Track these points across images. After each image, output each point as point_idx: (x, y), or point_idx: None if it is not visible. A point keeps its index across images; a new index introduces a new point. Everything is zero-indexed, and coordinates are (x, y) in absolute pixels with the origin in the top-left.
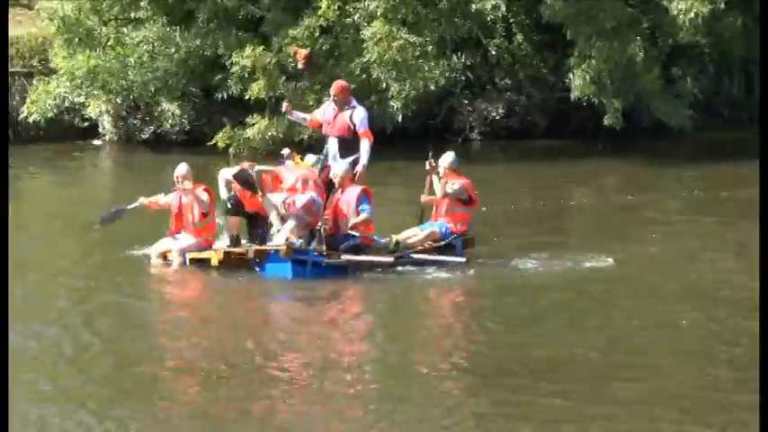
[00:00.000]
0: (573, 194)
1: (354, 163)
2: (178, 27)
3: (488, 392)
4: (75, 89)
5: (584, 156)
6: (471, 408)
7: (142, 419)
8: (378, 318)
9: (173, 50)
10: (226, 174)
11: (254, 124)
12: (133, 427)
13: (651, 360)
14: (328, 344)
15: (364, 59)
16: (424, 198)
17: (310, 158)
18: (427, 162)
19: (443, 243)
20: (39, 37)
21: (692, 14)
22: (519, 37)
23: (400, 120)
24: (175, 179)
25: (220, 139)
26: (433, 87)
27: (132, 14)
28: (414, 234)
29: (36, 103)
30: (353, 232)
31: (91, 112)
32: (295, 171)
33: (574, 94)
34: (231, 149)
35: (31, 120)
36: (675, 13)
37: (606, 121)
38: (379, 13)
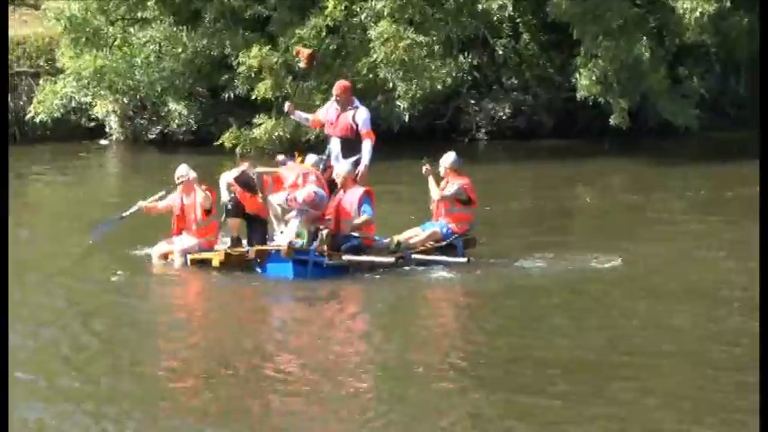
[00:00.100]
0: (578, 194)
1: (356, 163)
2: (185, 27)
3: (488, 393)
4: (81, 89)
5: (590, 155)
6: (470, 408)
7: (140, 419)
8: (378, 318)
9: (179, 50)
10: (226, 177)
11: (260, 124)
12: (131, 426)
13: (651, 360)
14: (328, 344)
15: (371, 59)
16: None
17: (311, 158)
18: (423, 168)
19: (445, 243)
20: (45, 37)
21: (698, 13)
22: (525, 37)
23: (407, 119)
24: (176, 180)
25: (227, 139)
26: (439, 87)
27: (139, 14)
28: (415, 234)
29: (43, 103)
30: (354, 233)
31: (98, 111)
32: (296, 169)
33: (580, 94)
34: (238, 149)
35: (37, 120)
36: (681, 12)
37: (612, 121)
38: (385, 13)
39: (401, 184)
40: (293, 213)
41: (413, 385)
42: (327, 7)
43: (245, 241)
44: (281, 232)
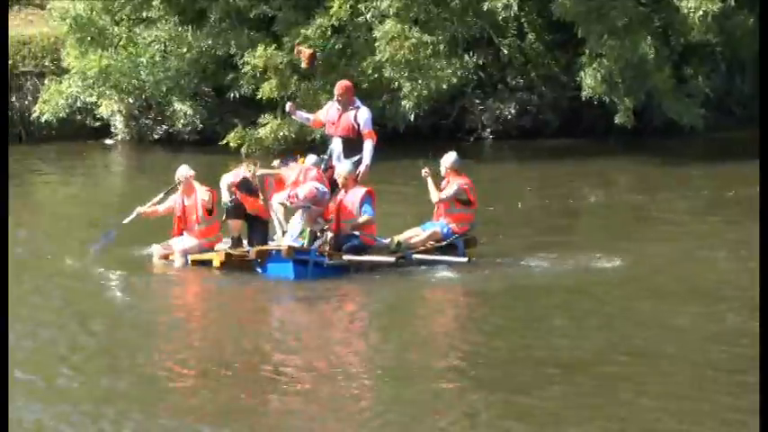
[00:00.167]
0: (583, 194)
1: (358, 163)
2: (190, 26)
3: (487, 393)
4: (87, 89)
5: (595, 155)
6: (469, 408)
7: (139, 419)
8: (378, 318)
9: (185, 50)
10: (227, 178)
11: (266, 124)
12: (129, 426)
13: (651, 361)
14: (328, 344)
15: (376, 59)
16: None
17: (311, 159)
18: (423, 171)
19: (445, 243)
20: (51, 36)
21: (701, 12)
22: (531, 36)
23: (412, 119)
24: (177, 181)
25: (232, 138)
26: (445, 86)
27: (144, 14)
28: (416, 234)
29: (48, 103)
30: (355, 232)
31: (103, 111)
32: (296, 169)
33: (585, 93)
34: (243, 149)
35: (43, 119)
36: (686, 11)
37: (617, 120)
38: (391, 13)
39: (407, 184)
40: (297, 214)
41: (412, 385)
42: (332, 7)
43: (245, 242)
44: (282, 233)
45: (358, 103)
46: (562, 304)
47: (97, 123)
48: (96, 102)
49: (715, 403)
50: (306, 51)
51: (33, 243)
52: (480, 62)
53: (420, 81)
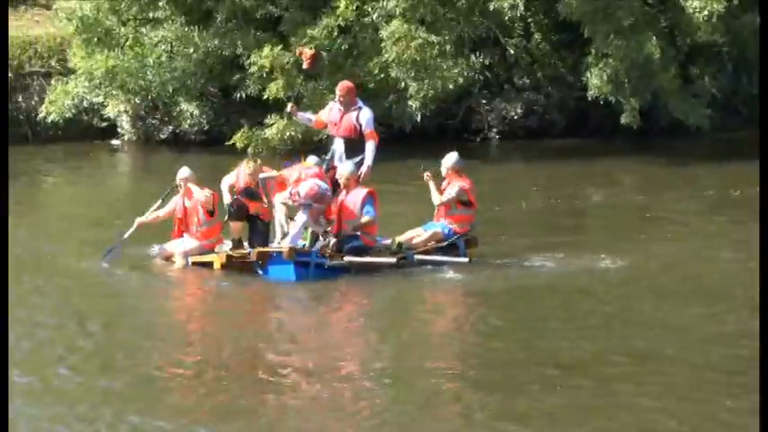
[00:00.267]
0: (589, 194)
1: (360, 164)
2: (196, 27)
3: (486, 393)
4: (93, 89)
5: (602, 155)
6: (468, 409)
7: (136, 420)
8: (378, 318)
9: (191, 50)
10: (228, 179)
11: (272, 124)
12: (126, 427)
13: (651, 361)
14: (327, 345)
15: (383, 59)
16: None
17: (311, 159)
18: (424, 175)
19: (446, 243)
20: (57, 37)
21: (707, 12)
22: (537, 36)
23: (419, 119)
24: (178, 183)
25: (239, 139)
26: (451, 87)
27: (151, 14)
28: (417, 235)
29: (54, 103)
30: (357, 232)
31: (109, 112)
32: (298, 169)
33: (591, 93)
34: (250, 149)
35: (49, 120)
36: (692, 11)
37: (623, 120)
38: (397, 13)
39: (411, 184)
40: (298, 214)
41: (411, 386)
42: (339, 7)
43: (246, 243)
44: (284, 235)
45: (360, 103)
46: (563, 305)
47: (104, 124)
48: (103, 102)
49: (715, 404)
50: (307, 52)
51: (35, 243)
52: (487, 62)
53: (426, 81)
